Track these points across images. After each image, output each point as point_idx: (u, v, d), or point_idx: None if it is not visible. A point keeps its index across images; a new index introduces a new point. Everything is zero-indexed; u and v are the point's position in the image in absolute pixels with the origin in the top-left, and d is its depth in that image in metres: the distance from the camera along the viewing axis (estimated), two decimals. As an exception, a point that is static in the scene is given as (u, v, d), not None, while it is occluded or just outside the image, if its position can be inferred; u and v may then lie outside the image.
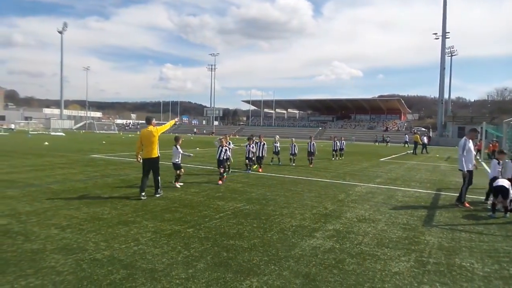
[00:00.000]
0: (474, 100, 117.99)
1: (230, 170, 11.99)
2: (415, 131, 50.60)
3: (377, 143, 52.52)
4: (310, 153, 15.69)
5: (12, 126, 68.35)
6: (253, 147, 12.99)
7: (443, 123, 60.89)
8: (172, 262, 4.05)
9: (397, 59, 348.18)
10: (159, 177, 7.84)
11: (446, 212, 7.30)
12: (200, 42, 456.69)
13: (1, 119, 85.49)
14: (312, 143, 15.84)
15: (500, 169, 7.92)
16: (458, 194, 8.13)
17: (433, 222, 6.45)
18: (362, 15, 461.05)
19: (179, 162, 9.22)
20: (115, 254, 4.21)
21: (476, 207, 7.83)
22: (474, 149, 9.15)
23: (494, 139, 28.13)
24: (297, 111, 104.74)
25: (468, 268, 4.23)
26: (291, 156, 15.86)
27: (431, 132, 62.94)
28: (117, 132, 73.41)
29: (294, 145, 15.97)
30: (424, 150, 29.33)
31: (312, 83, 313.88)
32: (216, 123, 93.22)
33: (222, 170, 10.15)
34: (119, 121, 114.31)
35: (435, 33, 60.10)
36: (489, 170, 8.77)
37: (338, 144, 19.94)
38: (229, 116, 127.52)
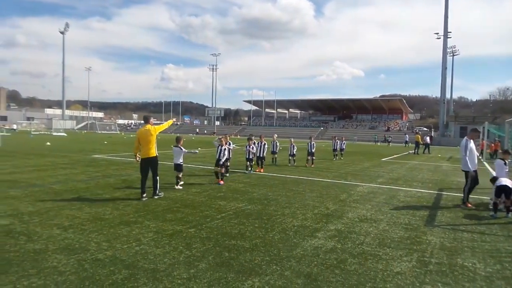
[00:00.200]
0: (476, 100, 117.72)
1: (228, 172, 11.86)
2: (417, 131, 50.48)
3: (378, 143, 52.37)
4: (310, 153, 15.68)
5: (14, 126, 68.64)
6: (253, 147, 12.76)
7: (445, 123, 60.74)
8: (174, 262, 4.06)
9: (398, 59, 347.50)
10: (157, 177, 7.65)
11: (448, 212, 7.29)
12: (202, 43, 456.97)
13: (4, 119, 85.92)
14: (312, 143, 15.82)
15: (507, 170, 7.81)
16: (461, 195, 8.09)
17: (435, 222, 6.44)
18: (363, 15, 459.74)
19: (183, 162, 9.21)
20: (117, 254, 4.22)
21: (478, 207, 7.80)
22: (477, 149, 9.07)
23: (496, 138, 28.09)
24: (298, 111, 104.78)
25: (470, 268, 4.22)
26: (290, 157, 15.85)
27: (433, 132, 62.77)
28: (118, 132, 73.60)
29: (293, 146, 15.95)
30: (427, 150, 29.22)
31: (314, 83, 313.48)
32: (217, 123, 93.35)
33: (223, 170, 10.13)
34: (120, 121, 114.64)
35: (437, 33, 60.03)
36: (491, 170, 8.71)
37: (339, 144, 19.91)
38: (230, 116, 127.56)
